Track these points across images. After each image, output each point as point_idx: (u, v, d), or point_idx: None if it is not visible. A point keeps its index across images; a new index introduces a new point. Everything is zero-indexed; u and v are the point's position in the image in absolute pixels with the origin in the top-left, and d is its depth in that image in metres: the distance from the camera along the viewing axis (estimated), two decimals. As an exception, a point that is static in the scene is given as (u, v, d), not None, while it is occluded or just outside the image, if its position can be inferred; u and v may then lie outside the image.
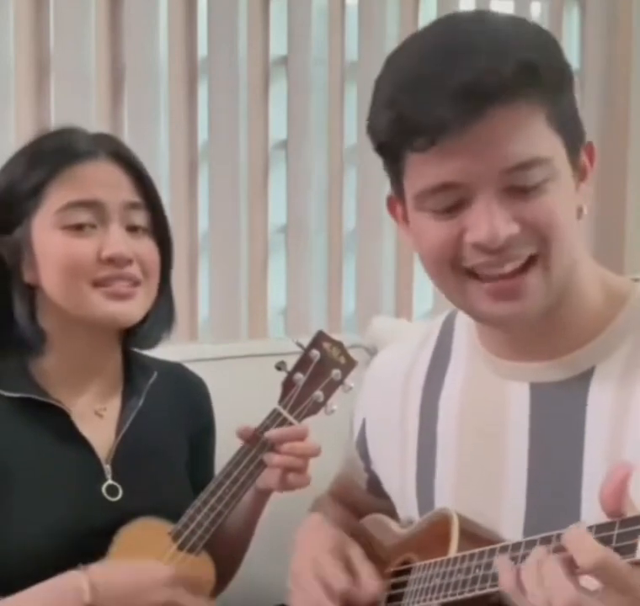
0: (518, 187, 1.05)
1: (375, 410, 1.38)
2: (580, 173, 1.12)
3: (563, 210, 1.07)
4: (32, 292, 1.42)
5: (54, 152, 1.42)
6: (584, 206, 1.11)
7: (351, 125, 2.43)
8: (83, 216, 1.39)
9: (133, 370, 1.51)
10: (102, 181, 1.41)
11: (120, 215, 1.40)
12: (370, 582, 1.23)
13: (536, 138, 1.04)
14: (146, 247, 1.43)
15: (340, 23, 2.40)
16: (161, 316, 1.49)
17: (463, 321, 1.28)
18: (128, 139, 2.24)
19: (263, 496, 1.48)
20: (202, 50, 2.34)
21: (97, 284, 1.39)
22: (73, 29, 2.23)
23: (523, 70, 1.02)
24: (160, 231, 1.46)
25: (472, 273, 1.10)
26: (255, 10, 2.34)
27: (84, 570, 1.31)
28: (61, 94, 2.23)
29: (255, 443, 1.42)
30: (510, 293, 1.08)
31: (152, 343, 1.51)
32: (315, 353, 1.46)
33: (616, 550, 0.89)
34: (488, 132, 1.02)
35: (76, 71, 2.23)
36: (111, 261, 1.38)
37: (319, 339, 1.48)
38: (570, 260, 1.10)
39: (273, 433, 1.42)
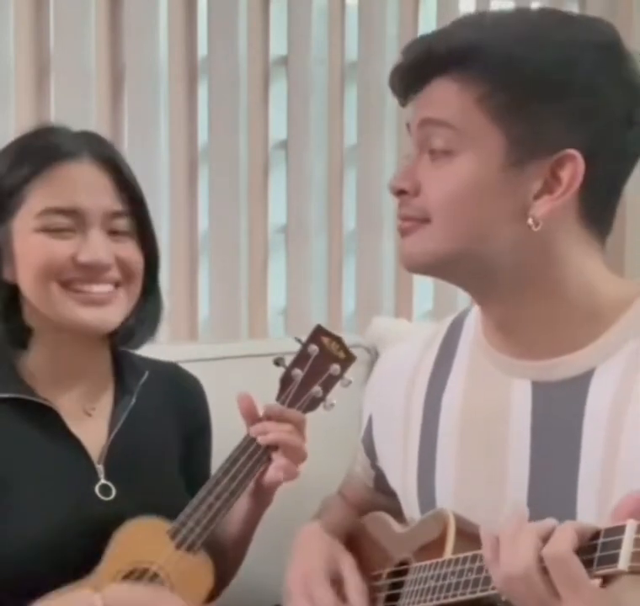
0: (430, 147, 1.14)
1: (381, 407, 1.38)
2: (549, 184, 1.11)
3: (461, 187, 1.12)
4: (15, 290, 1.41)
5: (37, 151, 1.40)
6: (534, 217, 1.11)
7: (351, 125, 2.42)
8: (62, 222, 1.38)
9: (123, 370, 1.51)
10: (83, 185, 1.39)
11: (102, 221, 1.39)
12: (360, 600, 1.23)
13: (445, 106, 1.13)
14: (128, 250, 1.41)
15: (340, 23, 2.39)
16: (146, 318, 1.48)
17: (471, 321, 1.28)
18: (128, 139, 2.25)
19: (259, 506, 1.48)
20: (202, 50, 2.34)
21: (66, 285, 1.38)
22: (73, 29, 2.22)
23: (453, 52, 1.12)
24: (143, 235, 1.44)
25: None
26: (255, 10, 2.34)
27: (97, 592, 1.29)
28: (61, 94, 2.23)
29: (252, 439, 1.42)
30: (402, 231, 1.18)
31: (136, 344, 1.49)
32: (313, 348, 1.46)
33: (600, 559, 0.91)
34: (420, 96, 1.16)
35: (76, 71, 2.23)
36: (87, 267, 1.37)
37: (318, 334, 1.47)
38: (461, 243, 1.13)
39: (273, 408, 1.43)
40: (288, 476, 1.41)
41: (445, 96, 1.13)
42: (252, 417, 1.44)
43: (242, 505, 1.46)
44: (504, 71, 1.10)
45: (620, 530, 0.90)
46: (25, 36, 2.20)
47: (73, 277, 1.38)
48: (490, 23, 1.15)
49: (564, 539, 0.93)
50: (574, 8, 2.57)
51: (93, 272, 1.38)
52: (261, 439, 1.41)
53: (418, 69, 1.15)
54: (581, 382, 1.14)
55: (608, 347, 1.14)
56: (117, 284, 1.40)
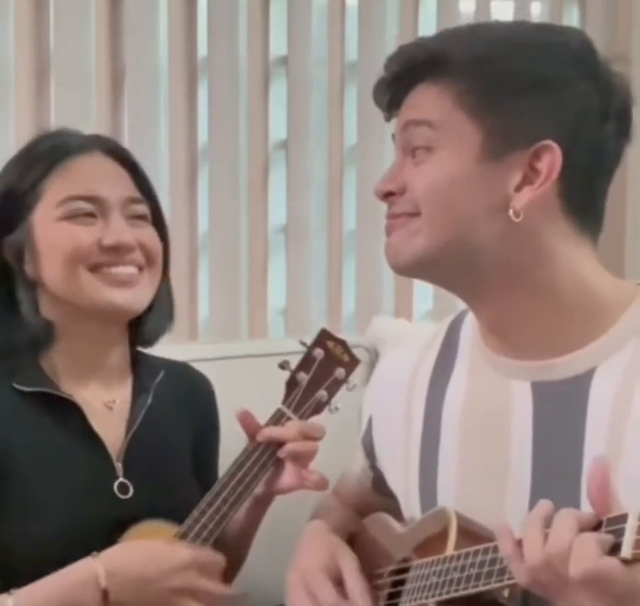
0: (412, 146, 1.18)
1: (381, 408, 1.39)
2: (528, 176, 1.13)
3: (441, 179, 1.14)
4: (34, 288, 1.44)
5: (48, 151, 1.45)
6: (515, 208, 1.12)
7: (351, 125, 2.43)
8: (85, 207, 1.42)
9: (141, 368, 1.52)
10: (100, 176, 1.44)
11: (121, 207, 1.43)
12: (360, 599, 1.24)
13: (426, 107, 1.17)
14: (148, 234, 1.46)
15: (340, 23, 2.39)
16: (163, 308, 1.50)
17: (470, 322, 1.28)
18: (128, 139, 2.25)
19: (262, 506, 1.48)
20: (202, 50, 2.34)
21: (94, 269, 1.41)
22: (73, 29, 2.22)
23: (430, 57, 1.17)
24: (158, 222, 1.49)
25: None
26: (255, 10, 2.34)
27: (97, 556, 1.32)
28: (61, 94, 2.23)
29: (258, 443, 1.42)
30: (389, 228, 1.20)
31: (157, 336, 1.52)
32: (318, 352, 1.46)
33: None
34: (404, 104, 1.20)
35: (76, 71, 2.23)
36: (113, 249, 1.41)
37: (322, 338, 1.48)
38: (448, 236, 1.14)
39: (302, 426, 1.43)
40: (320, 487, 1.42)
41: (425, 98, 1.17)
42: (254, 431, 1.45)
43: (245, 506, 1.46)
44: (476, 68, 1.14)
45: (622, 519, 0.91)
46: (25, 36, 2.20)
47: (100, 261, 1.41)
48: (465, 31, 1.20)
49: (567, 528, 0.94)
50: (574, 10, 2.58)
51: (118, 254, 1.42)
52: (280, 453, 1.41)
53: (400, 80, 1.20)
54: (582, 381, 1.15)
55: (609, 346, 1.14)
56: (141, 268, 1.44)
